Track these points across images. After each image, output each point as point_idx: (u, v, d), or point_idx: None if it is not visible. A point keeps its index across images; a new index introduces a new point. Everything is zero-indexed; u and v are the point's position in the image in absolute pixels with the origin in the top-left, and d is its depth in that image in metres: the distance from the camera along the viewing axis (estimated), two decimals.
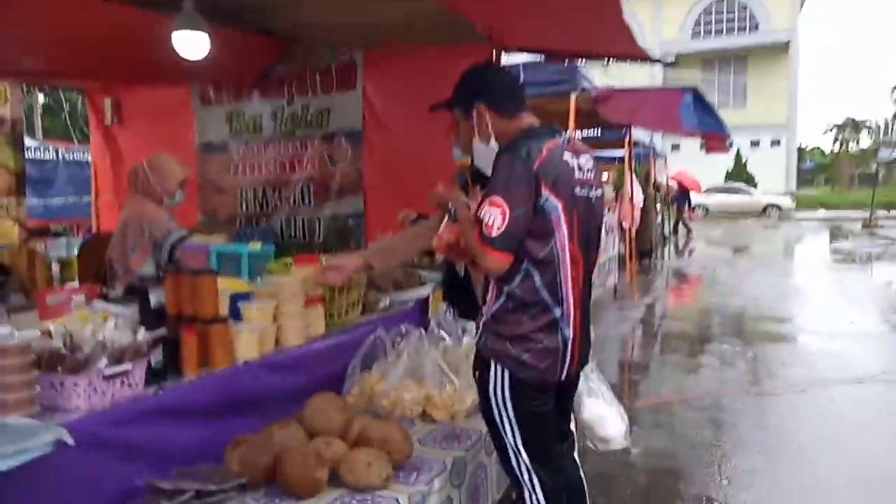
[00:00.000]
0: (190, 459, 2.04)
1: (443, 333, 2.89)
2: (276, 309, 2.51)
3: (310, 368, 2.60)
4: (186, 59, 4.07)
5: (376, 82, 4.48)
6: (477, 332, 2.05)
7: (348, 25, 4.03)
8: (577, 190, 1.92)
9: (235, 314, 2.46)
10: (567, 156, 1.91)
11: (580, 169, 1.95)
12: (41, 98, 16.60)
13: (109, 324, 1.97)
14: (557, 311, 1.89)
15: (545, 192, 1.82)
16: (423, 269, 3.77)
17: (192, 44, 3.60)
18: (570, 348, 1.93)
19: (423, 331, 2.92)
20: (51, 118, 17.67)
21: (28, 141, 12.70)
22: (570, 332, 1.92)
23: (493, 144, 2.01)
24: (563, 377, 1.97)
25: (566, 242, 1.87)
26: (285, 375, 2.46)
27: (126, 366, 1.88)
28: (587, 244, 1.97)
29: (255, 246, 3.13)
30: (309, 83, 4.61)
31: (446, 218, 2.12)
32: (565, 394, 2.12)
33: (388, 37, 4.16)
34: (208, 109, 4.99)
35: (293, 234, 4.76)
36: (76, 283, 4.62)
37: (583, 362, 2.05)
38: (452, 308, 3.23)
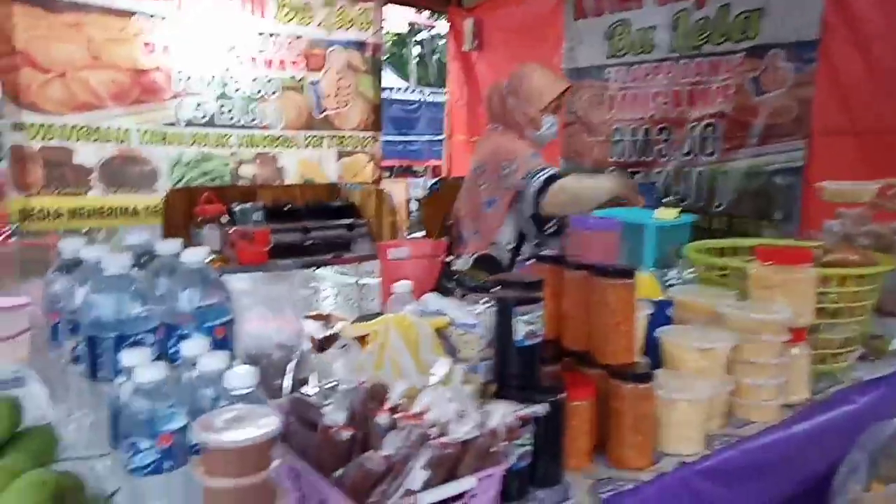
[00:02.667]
0: None
1: None
2: (734, 349, 1.28)
3: (780, 470, 1.33)
4: None
5: None
6: None
7: None
8: None
9: (649, 351, 1.30)
10: None
11: None
12: (415, 49, 17.98)
13: (438, 369, 0.98)
14: None
15: None
16: None
17: None
18: None
19: None
20: (423, 69, 18.97)
21: (400, 82, 13.61)
22: None
23: None
24: None
25: None
26: (733, 486, 1.23)
27: (465, 483, 0.86)
28: None
29: (667, 214, 1.92)
30: None
31: None
32: None
33: None
34: (583, 24, 3.88)
35: (682, 195, 3.44)
36: (421, 234, 4.08)
37: None
38: None
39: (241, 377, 0.82)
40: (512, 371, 1.03)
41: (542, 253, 1.32)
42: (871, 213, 2.37)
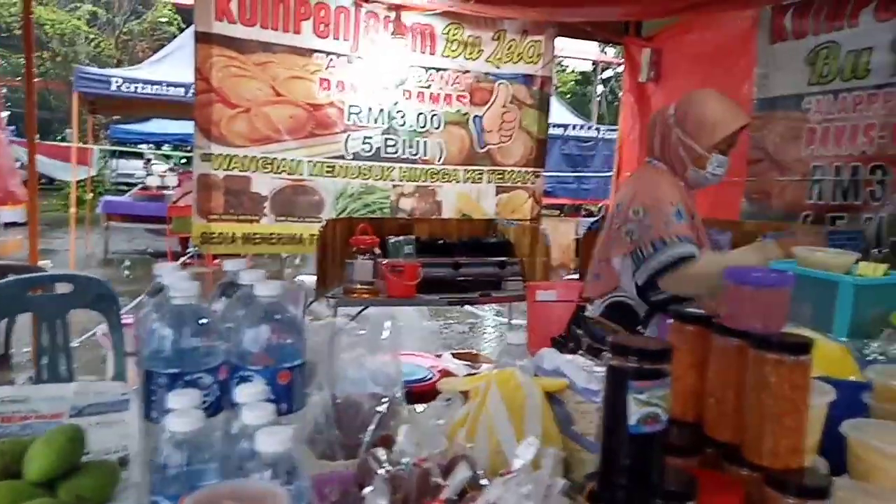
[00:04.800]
0: None
1: None
2: None
3: None
4: None
5: None
6: None
7: None
8: None
9: (833, 450, 0.98)
10: None
11: None
12: (599, 88, 17.77)
13: (524, 452, 0.77)
14: None
15: None
16: None
17: None
18: None
19: None
20: (607, 108, 18.60)
21: (576, 119, 13.39)
22: None
23: None
24: None
25: None
26: None
27: None
28: None
29: (872, 269, 1.52)
30: None
31: None
32: None
33: None
34: (780, 48, 3.42)
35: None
36: (574, 276, 3.82)
37: None
38: None
39: (271, 439, 0.69)
40: (620, 465, 0.79)
41: (689, 310, 1.06)
42: None
